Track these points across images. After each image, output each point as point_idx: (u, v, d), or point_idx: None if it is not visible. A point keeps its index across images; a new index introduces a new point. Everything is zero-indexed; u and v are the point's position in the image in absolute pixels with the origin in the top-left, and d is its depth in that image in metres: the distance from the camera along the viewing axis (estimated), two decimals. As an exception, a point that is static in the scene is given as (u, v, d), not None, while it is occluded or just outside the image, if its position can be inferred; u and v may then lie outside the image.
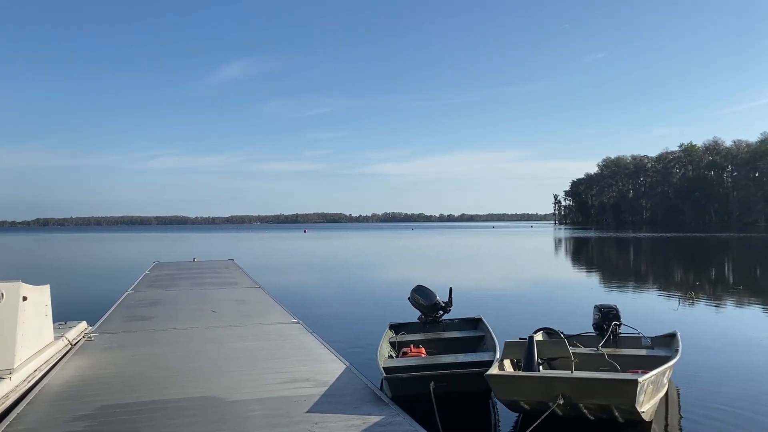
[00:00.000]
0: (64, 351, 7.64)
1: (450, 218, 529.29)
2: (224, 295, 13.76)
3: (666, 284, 19.68)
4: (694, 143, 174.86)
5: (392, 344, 8.30)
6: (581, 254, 39.47)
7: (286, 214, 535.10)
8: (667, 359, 6.81)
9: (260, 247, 53.44)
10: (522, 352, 6.05)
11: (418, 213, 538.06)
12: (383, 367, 6.60)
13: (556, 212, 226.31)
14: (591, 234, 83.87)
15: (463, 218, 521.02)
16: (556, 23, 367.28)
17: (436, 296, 9.00)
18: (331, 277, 23.04)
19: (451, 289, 9.09)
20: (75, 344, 8.11)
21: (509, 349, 6.29)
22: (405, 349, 7.78)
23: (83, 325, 8.99)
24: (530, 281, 20.98)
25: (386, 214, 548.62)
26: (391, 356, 7.80)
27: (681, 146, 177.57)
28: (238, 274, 19.27)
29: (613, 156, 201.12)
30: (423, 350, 7.72)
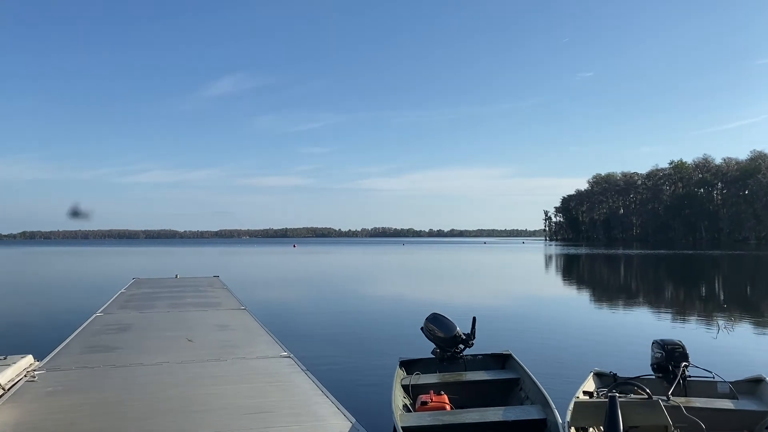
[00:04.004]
0: (-7, 398, 6.05)
1: (439, 234, 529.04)
2: (205, 318, 12.18)
3: (690, 307, 18.25)
4: (684, 160, 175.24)
5: (405, 387, 6.77)
6: (588, 273, 37.98)
7: (275, 228, 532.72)
8: (763, 416, 5.33)
9: (248, 263, 51.71)
10: (598, 416, 4.53)
11: (407, 228, 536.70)
12: (402, 428, 5.08)
13: (547, 228, 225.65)
14: (586, 251, 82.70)
15: (453, 234, 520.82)
16: (556, 37, 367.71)
17: (456, 327, 7.49)
18: (324, 298, 21.44)
19: (474, 319, 7.59)
20: (10, 388, 6.51)
21: (580, 411, 4.77)
22: (423, 397, 6.24)
23: (27, 360, 7.39)
24: (544, 303, 19.42)
25: (375, 229, 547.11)
26: (406, 406, 6.27)
27: (671, 163, 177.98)
28: (223, 293, 17.66)
29: (603, 173, 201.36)
30: (446, 399, 6.20)
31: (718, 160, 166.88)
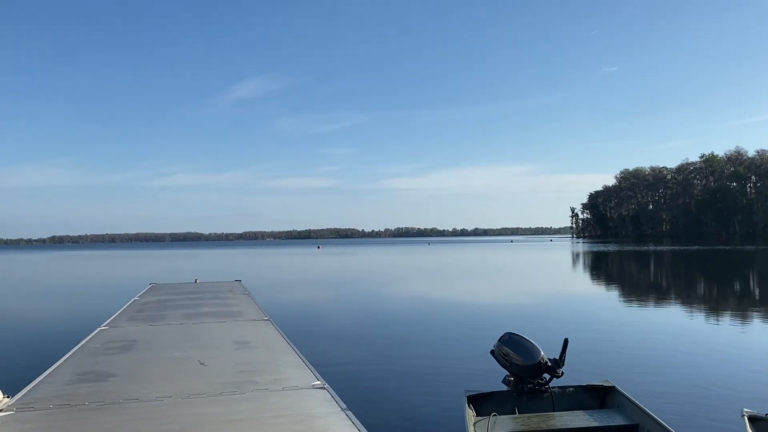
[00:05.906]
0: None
1: (463, 233, 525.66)
2: (222, 332, 10.57)
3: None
4: (715, 153, 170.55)
5: (481, 437, 5.04)
6: (649, 274, 34.77)
7: (299, 230, 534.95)
8: None
9: (271, 265, 50.30)
10: None
11: (431, 228, 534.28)
12: None
13: (574, 225, 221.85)
14: (621, 248, 79.91)
15: (477, 232, 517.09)
16: (584, 30, 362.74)
17: (540, 352, 5.75)
18: (357, 305, 19.32)
19: (566, 341, 5.81)
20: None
21: None
22: None
23: (-9, 399, 5.81)
24: (625, 313, 16.36)
25: (399, 229, 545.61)
26: None
27: (702, 157, 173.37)
28: (244, 300, 16.08)
29: (630, 168, 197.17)
30: None
31: (751, 153, 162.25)
